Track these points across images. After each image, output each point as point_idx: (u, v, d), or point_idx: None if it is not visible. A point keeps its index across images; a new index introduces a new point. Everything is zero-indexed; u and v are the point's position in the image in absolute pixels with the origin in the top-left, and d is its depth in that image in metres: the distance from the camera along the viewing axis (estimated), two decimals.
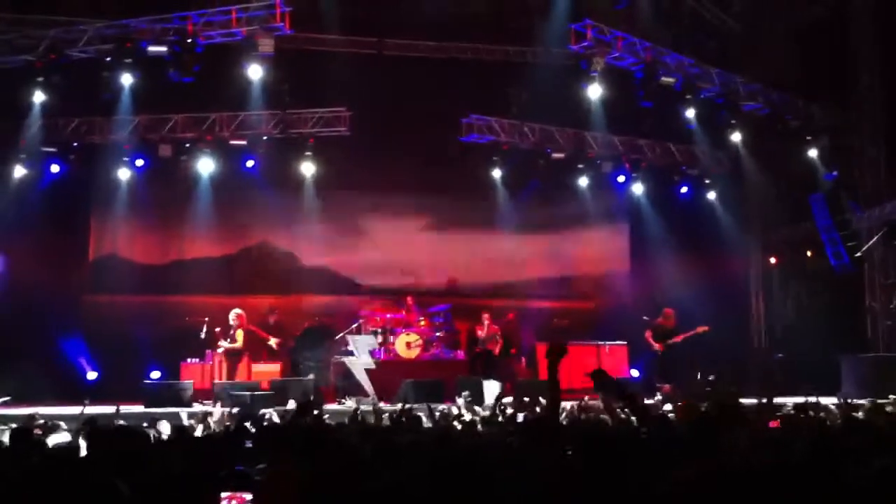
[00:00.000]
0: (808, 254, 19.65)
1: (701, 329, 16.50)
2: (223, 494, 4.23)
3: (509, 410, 10.36)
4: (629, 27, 17.21)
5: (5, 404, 13.08)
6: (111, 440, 7.08)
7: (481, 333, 17.89)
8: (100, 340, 17.32)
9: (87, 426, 8.05)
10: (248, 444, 6.83)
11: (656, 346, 16.68)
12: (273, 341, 17.41)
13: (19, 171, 16.91)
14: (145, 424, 8.99)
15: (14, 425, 8.76)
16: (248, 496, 4.22)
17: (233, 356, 16.21)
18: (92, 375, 17.17)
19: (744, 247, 20.06)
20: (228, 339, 16.12)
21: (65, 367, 17.03)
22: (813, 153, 18.57)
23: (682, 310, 17.25)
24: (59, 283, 17.84)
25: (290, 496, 4.57)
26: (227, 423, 9.43)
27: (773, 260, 20.85)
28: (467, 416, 10.15)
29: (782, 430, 7.05)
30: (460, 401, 12.28)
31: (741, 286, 20.50)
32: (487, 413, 10.45)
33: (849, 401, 11.72)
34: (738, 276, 20.28)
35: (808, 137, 18.54)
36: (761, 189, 20.03)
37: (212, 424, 9.34)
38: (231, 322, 16.09)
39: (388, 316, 18.06)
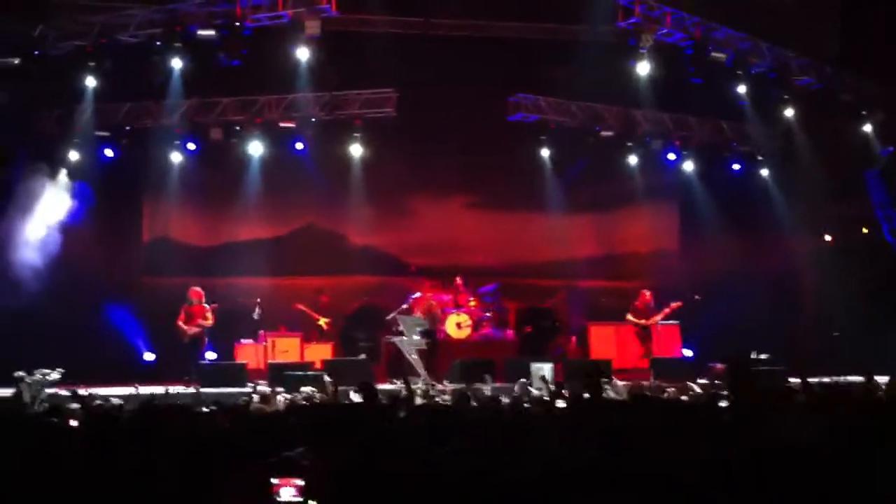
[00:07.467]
0: (864, 230, 19.31)
1: (675, 305, 17.05)
2: (274, 480, 4.27)
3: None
4: (678, 2, 16.94)
5: (60, 384, 13.30)
6: (167, 421, 7.23)
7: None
8: (155, 322, 17.57)
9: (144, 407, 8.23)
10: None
11: (638, 321, 17.26)
12: (323, 321, 17.61)
13: (74, 156, 17.20)
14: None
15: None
16: (300, 482, 4.26)
17: (200, 337, 15.99)
18: (149, 356, 17.45)
19: (797, 224, 19.72)
20: (202, 319, 15.92)
21: (121, 349, 17.31)
22: (868, 128, 18.24)
23: (733, 289, 17.04)
24: (115, 265, 18.16)
25: (328, 480, 4.61)
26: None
27: (827, 237, 20.51)
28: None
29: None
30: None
31: (794, 264, 20.17)
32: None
33: None
34: (791, 253, 19.94)
35: (863, 112, 18.21)
36: (815, 165, 19.67)
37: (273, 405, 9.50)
38: (194, 300, 15.96)
39: (438, 297, 18.09)
